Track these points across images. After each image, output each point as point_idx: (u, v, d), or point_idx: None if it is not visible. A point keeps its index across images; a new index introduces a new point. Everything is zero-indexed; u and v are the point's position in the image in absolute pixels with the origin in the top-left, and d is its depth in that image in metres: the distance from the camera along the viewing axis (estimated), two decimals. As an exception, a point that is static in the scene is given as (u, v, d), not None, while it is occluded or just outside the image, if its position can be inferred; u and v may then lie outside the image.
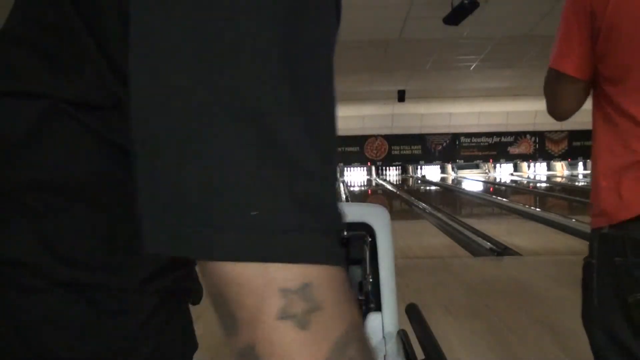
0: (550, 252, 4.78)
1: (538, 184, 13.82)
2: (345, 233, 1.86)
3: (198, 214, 0.29)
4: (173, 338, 0.56)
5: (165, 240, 0.30)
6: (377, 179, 16.16)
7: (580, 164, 16.69)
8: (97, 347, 0.48)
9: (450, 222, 6.44)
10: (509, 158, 18.19)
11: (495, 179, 17.47)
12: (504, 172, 18.84)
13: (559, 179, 15.06)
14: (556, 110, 1.11)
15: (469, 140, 17.66)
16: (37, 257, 0.45)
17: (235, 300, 0.29)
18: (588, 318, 0.98)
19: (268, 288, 0.28)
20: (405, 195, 10.72)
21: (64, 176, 0.43)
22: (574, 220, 6.01)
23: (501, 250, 4.82)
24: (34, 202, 0.44)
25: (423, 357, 1.31)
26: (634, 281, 0.85)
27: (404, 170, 17.26)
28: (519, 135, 17.28)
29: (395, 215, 7.66)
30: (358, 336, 0.30)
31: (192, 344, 0.61)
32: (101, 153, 0.42)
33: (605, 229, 0.92)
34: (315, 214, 0.30)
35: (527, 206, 8.74)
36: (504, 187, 14.55)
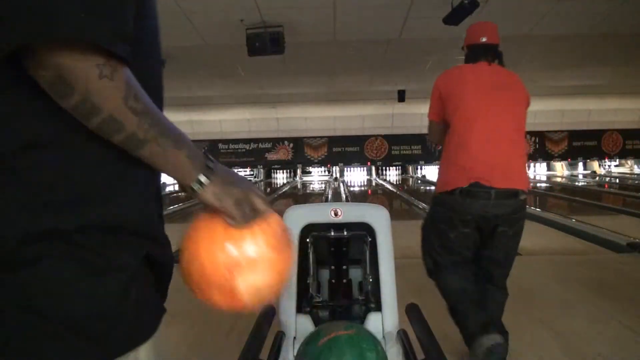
0: (550, 252, 4.77)
1: (538, 184, 13.81)
2: (345, 233, 1.86)
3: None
4: (149, 301, 0.61)
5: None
6: (377, 179, 16.17)
7: (580, 164, 16.64)
8: (88, 307, 0.51)
9: (450, 222, 6.42)
10: (509, 158, 18.17)
11: (495, 179, 17.41)
12: (503, 172, 18.80)
13: (559, 179, 15.04)
14: (431, 140, 2.34)
15: (469, 140, 17.63)
16: (15, 209, 0.49)
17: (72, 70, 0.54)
18: (426, 225, 2.29)
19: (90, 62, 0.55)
20: (405, 195, 10.71)
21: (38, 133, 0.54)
22: (573, 220, 6.00)
23: (501, 250, 4.82)
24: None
25: (423, 357, 1.31)
26: (439, 218, 2.15)
27: (404, 170, 17.26)
28: (519, 135, 17.26)
29: (395, 215, 7.65)
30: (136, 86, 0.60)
31: (160, 309, 0.66)
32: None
33: (438, 194, 2.14)
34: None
35: (527, 206, 8.72)
36: (503, 187, 14.48)
